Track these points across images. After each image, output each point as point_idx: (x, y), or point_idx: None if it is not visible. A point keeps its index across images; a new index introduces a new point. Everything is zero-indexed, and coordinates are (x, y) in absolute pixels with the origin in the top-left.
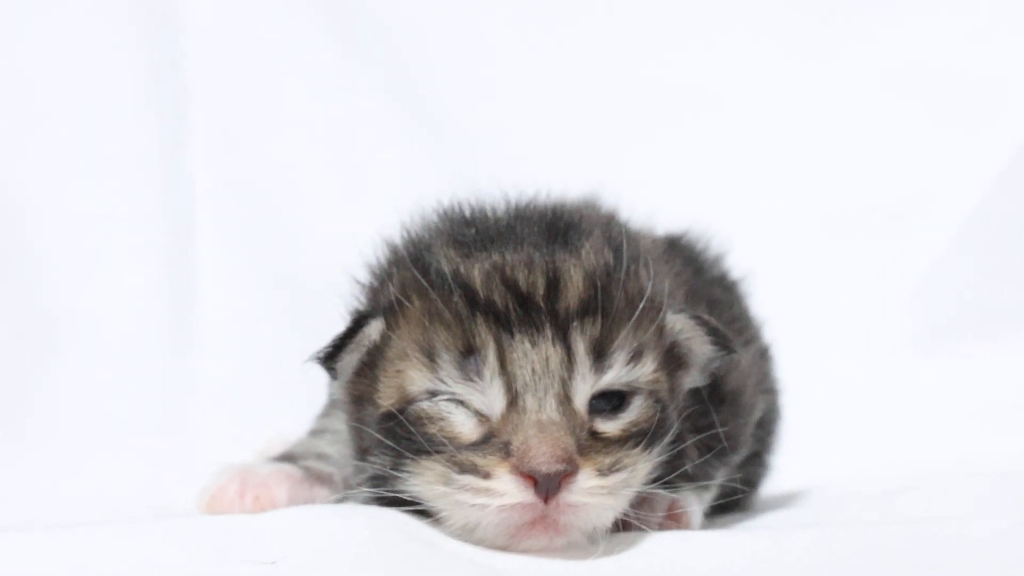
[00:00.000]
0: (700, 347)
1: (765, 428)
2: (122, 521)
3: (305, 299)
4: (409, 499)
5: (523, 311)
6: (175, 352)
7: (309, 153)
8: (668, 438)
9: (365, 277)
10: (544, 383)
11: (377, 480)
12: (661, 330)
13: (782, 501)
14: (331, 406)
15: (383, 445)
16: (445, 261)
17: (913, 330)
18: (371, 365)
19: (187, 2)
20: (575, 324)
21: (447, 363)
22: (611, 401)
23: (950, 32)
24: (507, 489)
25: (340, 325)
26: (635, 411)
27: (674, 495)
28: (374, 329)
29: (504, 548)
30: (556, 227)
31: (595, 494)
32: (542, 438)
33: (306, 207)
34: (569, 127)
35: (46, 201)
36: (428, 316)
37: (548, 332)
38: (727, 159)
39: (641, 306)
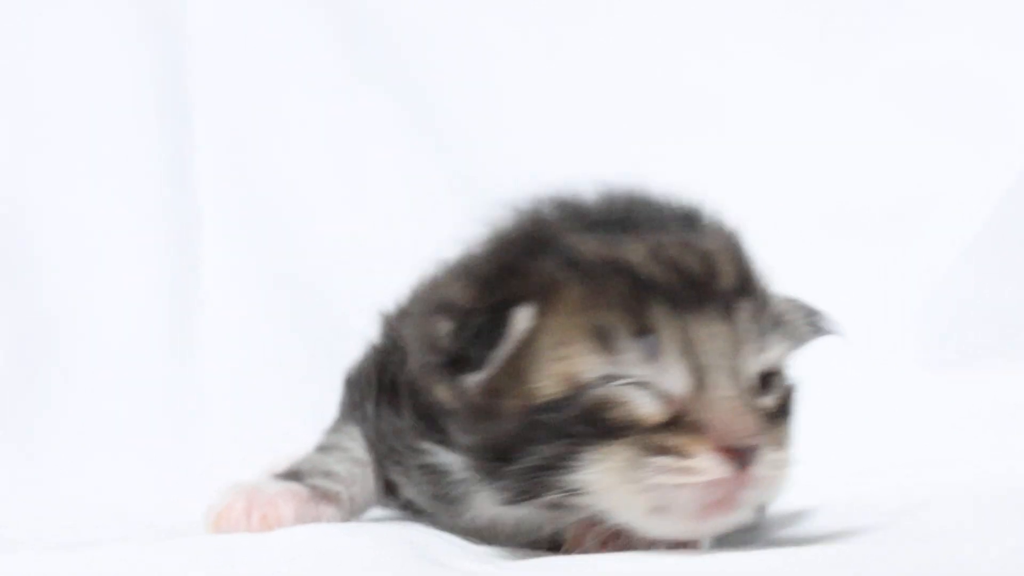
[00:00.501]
0: (797, 328)
1: None
2: (125, 540)
3: (308, 301)
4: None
5: (691, 291)
6: (177, 355)
7: (311, 155)
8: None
9: (466, 271)
10: (723, 361)
11: (528, 474)
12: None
13: (789, 517)
14: (341, 422)
15: (544, 436)
16: (596, 244)
17: (922, 343)
18: (515, 356)
19: (192, 8)
20: (735, 304)
21: (624, 346)
22: (762, 379)
23: (961, 42)
24: (707, 466)
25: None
26: (779, 389)
27: None
28: (524, 317)
29: (690, 531)
30: (678, 212)
31: (776, 467)
32: (738, 413)
33: (308, 209)
34: (570, 128)
35: (48, 203)
36: (590, 300)
37: (716, 311)
38: (732, 162)
39: (766, 286)
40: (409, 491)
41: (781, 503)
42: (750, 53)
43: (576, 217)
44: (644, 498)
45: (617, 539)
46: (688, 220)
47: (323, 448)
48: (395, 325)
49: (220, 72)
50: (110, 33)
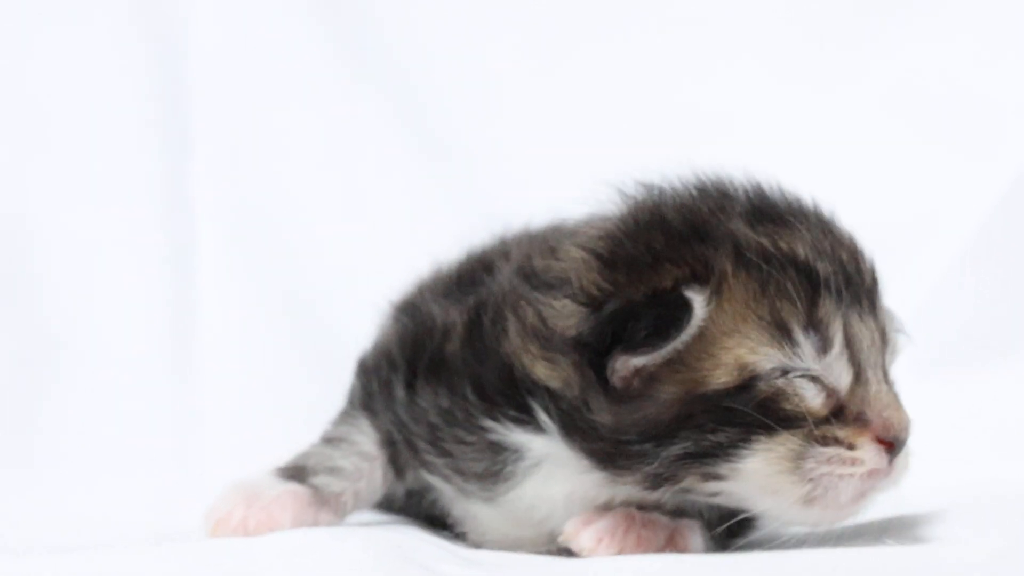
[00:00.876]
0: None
1: None
2: (118, 546)
3: (307, 316)
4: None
5: (849, 287)
6: (176, 365)
7: (308, 164)
8: None
9: (594, 253)
10: (876, 356)
11: (677, 459)
12: None
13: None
14: (351, 412)
15: (711, 423)
16: (764, 235)
17: (914, 354)
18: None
19: (191, 22)
20: (878, 300)
21: (799, 339)
22: None
23: (954, 55)
24: (870, 457)
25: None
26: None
27: (677, 522)
28: (700, 305)
29: (831, 519)
30: (807, 205)
31: (907, 457)
32: (897, 407)
33: (305, 216)
34: (567, 134)
35: (48, 218)
36: (764, 291)
37: (868, 307)
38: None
39: None
40: (440, 472)
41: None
42: (749, 77)
43: (722, 205)
44: (803, 487)
45: (613, 536)
46: (819, 215)
47: (330, 440)
48: (431, 307)
49: (218, 84)
50: (108, 47)
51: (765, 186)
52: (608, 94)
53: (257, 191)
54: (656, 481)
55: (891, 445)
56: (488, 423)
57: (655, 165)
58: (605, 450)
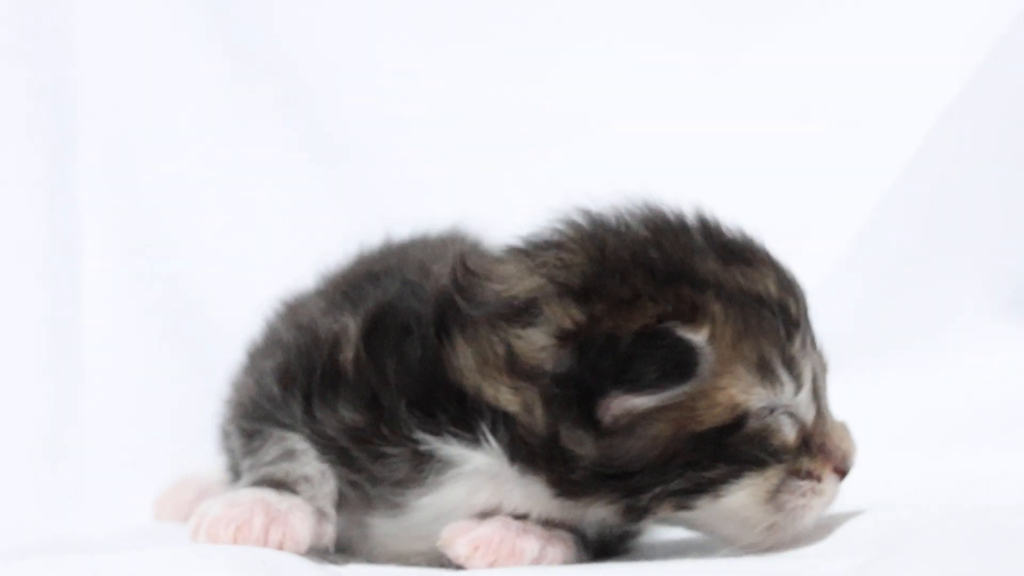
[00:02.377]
0: None
1: None
2: None
3: (194, 323)
4: None
5: (807, 323)
6: (60, 378)
7: (200, 173)
8: None
9: (588, 292)
10: (825, 388)
11: (664, 494)
12: None
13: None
14: (270, 428)
15: (703, 460)
16: (738, 274)
17: None
18: None
19: (77, 24)
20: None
21: (781, 378)
22: None
23: (837, 50)
24: (830, 487)
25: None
26: None
27: (552, 533)
28: (705, 347)
29: (779, 542)
30: (750, 237)
31: None
32: (850, 438)
33: (195, 226)
34: (459, 136)
35: None
36: (747, 331)
37: (816, 341)
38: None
39: None
40: (342, 480)
41: None
42: (622, 78)
43: (689, 240)
44: (773, 517)
45: (489, 545)
46: (765, 250)
47: (288, 453)
48: (319, 316)
49: (104, 82)
50: None
51: (709, 218)
52: (500, 94)
53: (144, 191)
54: (635, 513)
55: (843, 473)
56: (421, 435)
57: (536, 164)
58: (577, 480)
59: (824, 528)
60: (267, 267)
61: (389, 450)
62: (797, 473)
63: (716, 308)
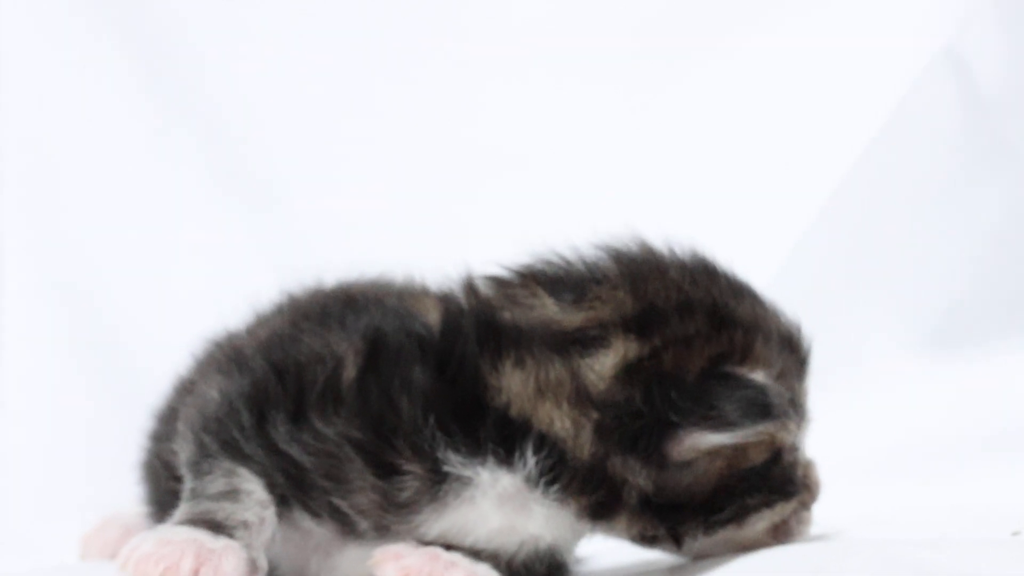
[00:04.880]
0: None
1: None
2: None
3: (115, 360)
4: None
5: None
6: None
7: (122, 211)
8: None
9: (648, 329)
10: None
11: (706, 524)
12: None
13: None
14: (218, 463)
15: (745, 494)
16: (764, 312)
17: None
18: None
19: None
20: None
21: (801, 414)
22: None
23: (758, 85)
24: (812, 518)
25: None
26: None
27: (476, 567)
28: (774, 386)
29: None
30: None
31: None
32: (818, 471)
33: (118, 270)
34: (394, 189)
35: None
36: (784, 370)
37: None
38: (541, 217)
39: None
40: (327, 507)
41: None
42: (554, 113)
43: (726, 282)
44: (771, 542)
45: (421, 570)
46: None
47: (226, 493)
48: (307, 338)
49: (25, 118)
50: None
51: (709, 255)
52: (429, 134)
53: (66, 229)
54: (667, 540)
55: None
56: (446, 453)
57: (471, 203)
58: (617, 507)
59: (728, 560)
60: (189, 306)
61: (406, 466)
62: (804, 503)
63: (762, 349)
